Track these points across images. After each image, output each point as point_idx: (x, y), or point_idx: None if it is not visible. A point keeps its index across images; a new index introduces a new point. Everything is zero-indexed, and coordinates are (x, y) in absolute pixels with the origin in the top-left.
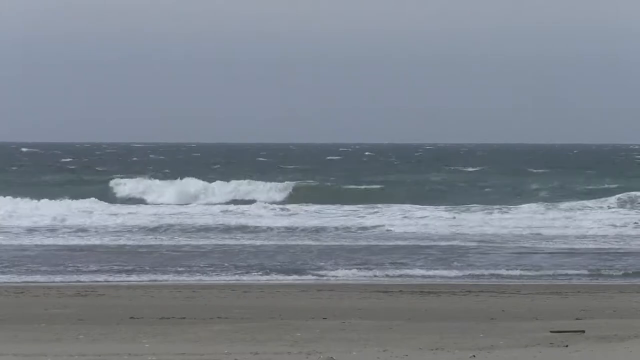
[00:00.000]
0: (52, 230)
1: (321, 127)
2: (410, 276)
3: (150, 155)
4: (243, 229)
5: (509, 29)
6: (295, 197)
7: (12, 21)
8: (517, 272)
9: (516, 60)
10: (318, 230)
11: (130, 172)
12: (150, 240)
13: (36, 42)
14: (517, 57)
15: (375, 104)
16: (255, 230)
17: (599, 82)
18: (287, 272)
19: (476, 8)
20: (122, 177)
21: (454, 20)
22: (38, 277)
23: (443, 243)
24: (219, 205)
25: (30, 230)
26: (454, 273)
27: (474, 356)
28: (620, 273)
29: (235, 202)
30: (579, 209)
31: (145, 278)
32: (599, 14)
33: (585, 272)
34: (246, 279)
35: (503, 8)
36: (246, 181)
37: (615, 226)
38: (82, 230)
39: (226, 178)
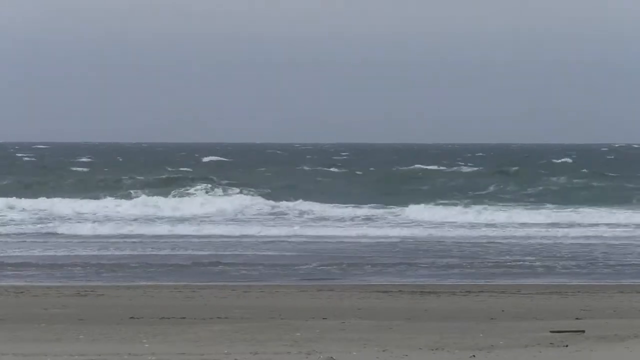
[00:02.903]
0: None
1: (320, 128)
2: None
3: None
4: None
5: (509, 31)
6: None
7: (13, 21)
8: None
9: (516, 62)
10: None
11: None
12: None
13: (38, 43)
14: (517, 59)
15: (375, 104)
16: None
17: (597, 84)
18: None
19: (476, 11)
20: None
21: (454, 22)
22: None
23: None
24: None
25: None
26: None
27: (474, 356)
28: None
29: None
30: None
31: None
32: (599, 17)
33: None
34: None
35: (503, 9)
36: None
37: None
38: None
39: None
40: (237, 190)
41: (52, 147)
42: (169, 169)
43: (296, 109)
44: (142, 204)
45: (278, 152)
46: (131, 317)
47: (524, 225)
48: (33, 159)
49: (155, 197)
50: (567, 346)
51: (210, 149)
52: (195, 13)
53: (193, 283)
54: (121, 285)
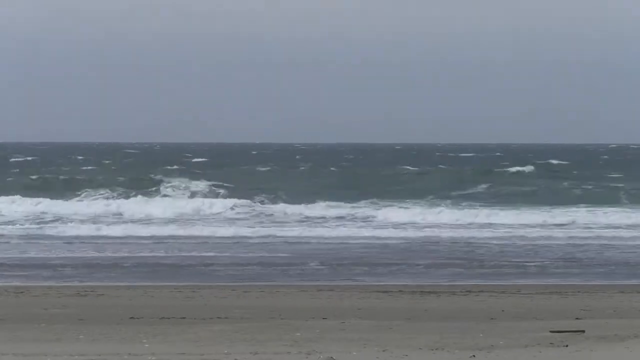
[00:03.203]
0: None
1: (320, 128)
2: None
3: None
4: None
5: (509, 31)
6: None
7: (13, 21)
8: None
9: (516, 62)
10: None
11: None
12: None
13: (38, 43)
14: (517, 59)
15: (375, 104)
16: None
17: (597, 84)
18: None
19: (476, 11)
20: None
21: (454, 22)
22: None
23: None
24: None
25: None
26: None
27: (474, 356)
28: None
29: None
30: None
31: None
32: (599, 17)
33: None
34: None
35: (503, 9)
36: None
37: None
38: None
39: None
40: (207, 190)
41: (46, 148)
42: (162, 168)
43: (296, 109)
44: (105, 205)
45: (273, 150)
46: (131, 317)
47: (508, 225)
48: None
49: (132, 199)
50: (567, 346)
51: (209, 149)
52: (195, 13)
53: (193, 283)
54: (121, 285)
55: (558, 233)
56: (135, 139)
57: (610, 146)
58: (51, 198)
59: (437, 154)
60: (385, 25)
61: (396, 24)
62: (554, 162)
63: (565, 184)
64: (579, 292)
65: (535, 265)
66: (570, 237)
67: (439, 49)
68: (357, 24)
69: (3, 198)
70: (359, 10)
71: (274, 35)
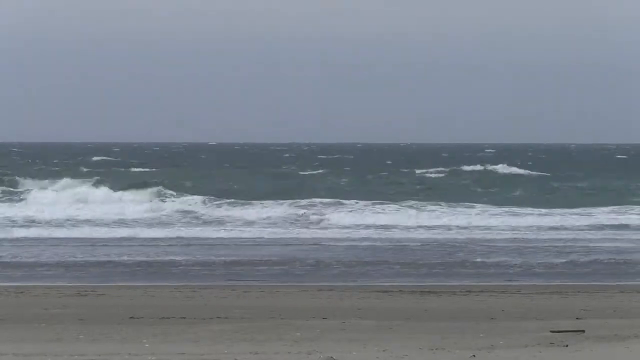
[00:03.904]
0: None
1: (321, 128)
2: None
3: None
4: None
5: (508, 31)
6: None
7: (13, 21)
8: None
9: (516, 62)
10: None
11: None
12: None
13: (38, 43)
14: (516, 59)
15: (375, 104)
16: None
17: (597, 84)
18: None
19: (476, 11)
20: None
21: (454, 22)
22: None
23: None
24: None
25: None
26: None
27: (474, 356)
28: None
29: None
30: None
31: None
32: (599, 17)
33: None
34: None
35: (503, 9)
36: None
37: None
38: None
39: None
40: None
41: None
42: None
43: (296, 109)
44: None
45: (268, 151)
46: (131, 317)
47: (502, 227)
48: None
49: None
50: (567, 346)
51: (209, 149)
52: (195, 13)
53: (193, 283)
54: (121, 285)
55: (547, 235)
56: (135, 139)
57: (607, 146)
58: None
59: (422, 157)
60: (385, 25)
61: (396, 24)
62: (550, 162)
63: (556, 184)
64: (579, 292)
65: (522, 267)
66: (555, 240)
67: (438, 49)
68: (357, 24)
69: None
70: (359, 10)
71: (274, 35)
